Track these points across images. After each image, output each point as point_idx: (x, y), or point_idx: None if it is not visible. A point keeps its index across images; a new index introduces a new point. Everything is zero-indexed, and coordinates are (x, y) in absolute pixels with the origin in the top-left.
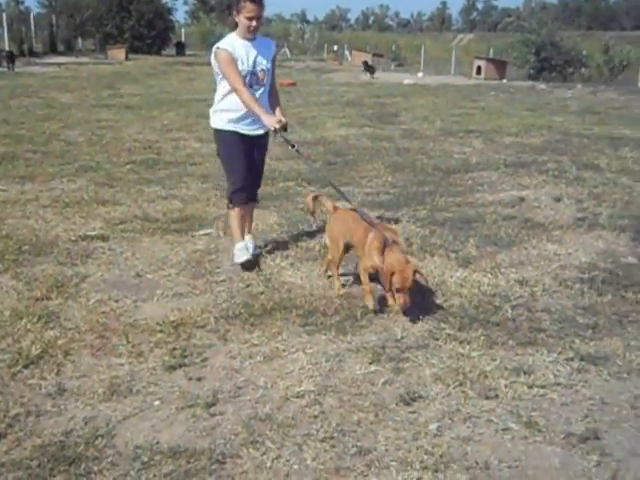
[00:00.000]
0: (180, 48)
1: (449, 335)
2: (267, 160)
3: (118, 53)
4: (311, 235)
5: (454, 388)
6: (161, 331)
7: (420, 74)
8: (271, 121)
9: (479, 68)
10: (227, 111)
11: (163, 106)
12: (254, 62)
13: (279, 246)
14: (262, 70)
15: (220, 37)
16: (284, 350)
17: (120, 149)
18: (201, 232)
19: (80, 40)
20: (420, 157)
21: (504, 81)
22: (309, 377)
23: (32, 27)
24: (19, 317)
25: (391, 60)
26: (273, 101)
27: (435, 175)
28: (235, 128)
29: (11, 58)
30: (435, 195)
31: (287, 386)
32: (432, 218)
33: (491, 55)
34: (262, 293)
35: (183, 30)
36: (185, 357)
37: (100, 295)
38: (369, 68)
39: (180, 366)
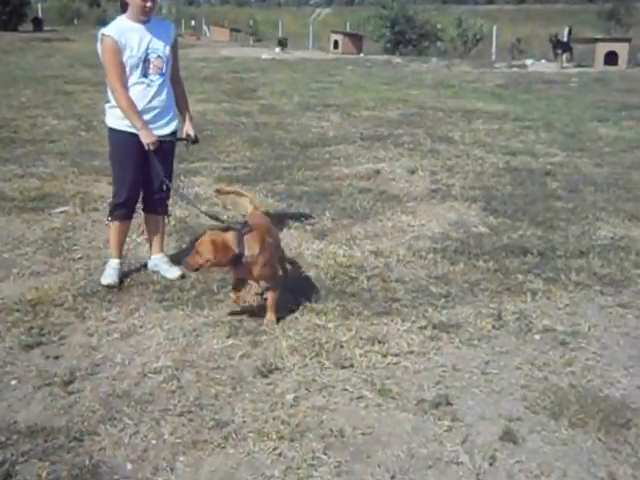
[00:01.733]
0: (37, 24)
1: (305, 307)
2: None
3: None
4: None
5: (310, 359)
6: (18, 310)
7: (278, 49)
8: (147, 138)
9: (336, 42)
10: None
11: (20, 83)
12: (147, 48)
13: (134, 222)
14: (159, 57)
15: (78, 12)
16: (141, 326)
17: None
18: (58, 210)
19: None
20: (278, 132)
21: (361, 55)
22: (166, 352)
23: None
24: None
25: (249, 35)
26: (179, 97)
27: (293, 149)
28: (130, 128)
29: None
30: (293, 169)
31: (144, 362)
32: (290, 192)
33: (348, 29)
34: (118, 270)
35: (40, 5)
36: (42, 336)
37: None
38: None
39: (37, 345)
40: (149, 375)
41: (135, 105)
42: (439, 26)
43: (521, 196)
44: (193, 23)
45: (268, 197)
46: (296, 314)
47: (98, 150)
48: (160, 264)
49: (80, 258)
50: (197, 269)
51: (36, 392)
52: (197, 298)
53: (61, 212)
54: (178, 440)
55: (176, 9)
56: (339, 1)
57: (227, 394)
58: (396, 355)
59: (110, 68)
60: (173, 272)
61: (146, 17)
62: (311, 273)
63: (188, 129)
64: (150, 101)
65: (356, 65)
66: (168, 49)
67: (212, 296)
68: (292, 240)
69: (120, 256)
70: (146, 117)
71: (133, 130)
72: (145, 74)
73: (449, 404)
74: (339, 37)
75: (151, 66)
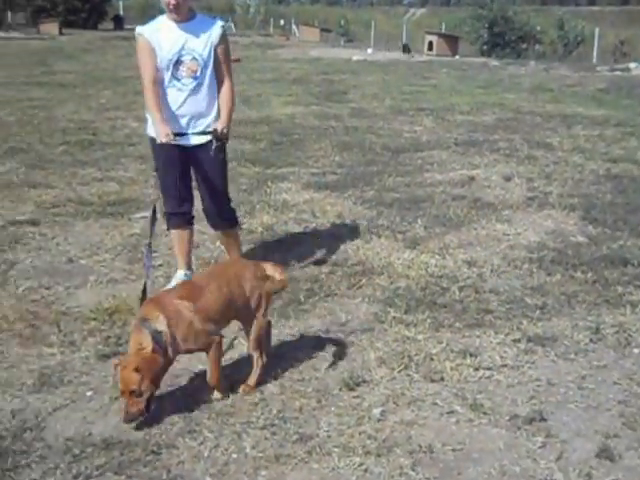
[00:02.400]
0: (118, 22)
1: (395, 318)
2: None
3: (51, 27)
4: (254, 216)
5: (399, 372)
6: (95, 319)
7: (370, 50)
8: (160, 135)
9: (431, 44)
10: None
11: (99, 84)
12: (180, 49)
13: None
14: (193, 59)
15: (160, 10)
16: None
17: (53, 129)
18: (138, 215)
19: (9, 14)
20: (369, 136)
21: (456, 57)
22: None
23: None
24: None
25: (340, 35)
26: (222, 103)
27: (384, 155)
28: (165, 137)
29: None
30: (383, 175)
31: (226, 374)
32: (380, 199)
33: (443, 30)
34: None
35: (121, 3)
36: (120, 345)
37: (30, 282)
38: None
39: (114, 354)
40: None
41: (155, 100)
42: (538, 28)
43: (622, 205)
44: (282, 23)
45: (357, 204)
46: (385, 325)
47: None
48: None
49: (160, 265)
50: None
51: (113, 404)
52: (283, 308)
53: (141, 218)
54: (260, 454)
55: (265, 8)
56: (434, 1)
57: (312, 407)
58: (488, 369)
59: (141, 68)
60: None
61: (178, 16)
62: (401, 283)
63: (222, 121)
64: (180, 107)
65: (451, 68)
66: (207, 51)
67: (298, 306)
68: (382, 249)
69: (187, 266)
70: (176, 125)
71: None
72: (176, 77)
73: (543, 420)
74: (434, 38)
75: (184, 69)
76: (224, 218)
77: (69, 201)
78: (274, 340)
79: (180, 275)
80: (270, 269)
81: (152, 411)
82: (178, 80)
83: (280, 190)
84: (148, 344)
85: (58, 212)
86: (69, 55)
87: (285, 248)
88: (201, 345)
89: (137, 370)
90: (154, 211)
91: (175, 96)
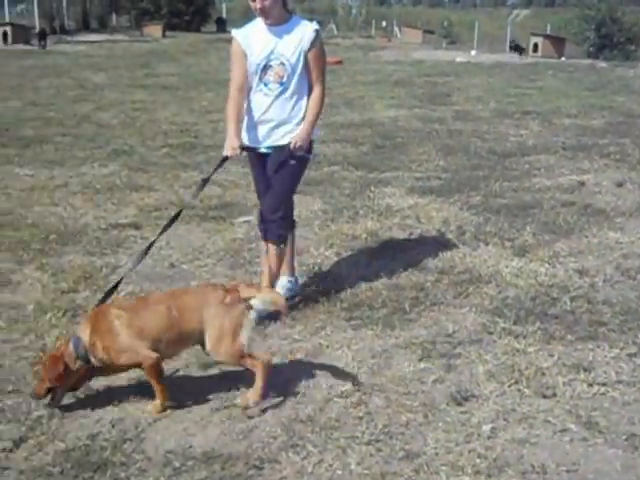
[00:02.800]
0: (221, 24)
1: (504, 329)
2: None
3: (154, 30)
4: (357, 222)
5: (509, 386)
6: None
7: (473, 52)
8: (228, 144)
9: (536, 45)
10: (243, 120)
11: (202, 86)
12: (270, 53)
13: (322, 233)
14: (281, 64)
15: None
16: (327, 346)
17: (155, 132)
18: (241, 219)
19: (114, 16)
20: (473, 140)
21: (562, 59)
22: (354, 375)
23: (64, 3)
24: (43, 311)
25: (442, 37)
26: (308, 109)
27: (489, 159)
28: (247, 142)
29: (42, 36)
30: (489, 180)
31: (330, 385)
32: (486, 204)
33: (548, 32)
34: (305, 284)
35: (224, 5)
36: None
37: (131, 287)
38: (518, 48)
39: (215, 364)
40: (335, 399)
41: (234, 111)
42: None
43: None
44: (384, 24)
45: (463, 210)
46: (493, 336)
47: None
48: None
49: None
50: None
51: (214, 415)
52: (387, 317)
53: (244, 222)
54: (366, 471)
55: (366, 10)
56: (538, 2)
57: (418, 422)
58: (603, 385)
59: (231, 71)
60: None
61: (268, 19)
62: (510, 293)
63: (301, 134)
64: (265, 112)
65: (557, 69)
66: (296, 57)
67: (403, 315)
68: (490, 257)
69: (289, 273)
70: (261, 130)
71: (251, 144)
72: (264, 82)
73: None
74: (539, 40)
75: (271, 73)
76: (270, 229)
77: (171, 204)
78: (379, 349)
79: (283, 282)
80: (245, 291)
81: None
82: (265, 85)
83: (383, 195)
84: (63, 346)
85: (160, 215)
86: (172, 57)
87: (389, 255)
88: (129, 360)
89: (44, 363)
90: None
91: (261, 101)
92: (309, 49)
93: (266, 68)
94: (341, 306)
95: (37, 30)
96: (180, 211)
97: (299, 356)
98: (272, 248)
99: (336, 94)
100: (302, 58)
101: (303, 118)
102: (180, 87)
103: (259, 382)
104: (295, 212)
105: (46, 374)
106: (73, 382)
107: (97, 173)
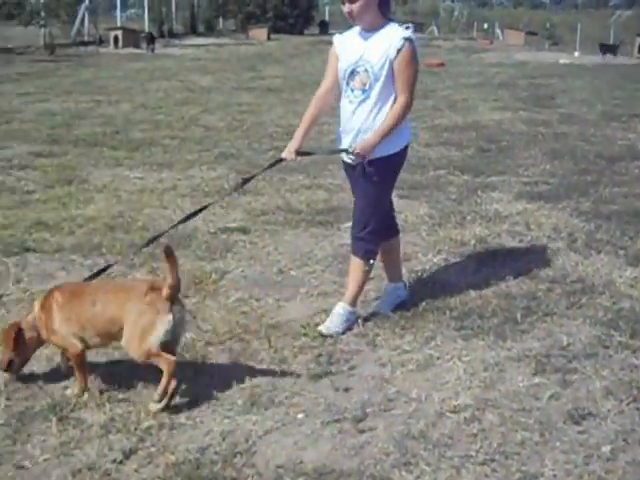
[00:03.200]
0: (324, 27)
1: (620, 343)
2: (414, 146)
3: (259, 33)
4: (465, 228)
5: (627, 404)
6: (305, 334)
7: (577, 53)
8: (287, 147)
9: None
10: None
11: (306, 88)
12: (358, 59)
13: (430, 239)
14: (365, 71)
15: None
16: (438, 357)
17: (261, 135)
18: (347, 224)
19: (221, 20)
20: (580, 143)
21: None
22: (466, 389)
23: (173, 8)
24: None
25: (545, 39)
26: (385, 118)
27: (598, 163)
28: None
29: (151, 40)
30: (599, 185)
31: (442, 399)
32: (597, 211)
33: None
34: (414, 292)
35: (327, 8)
36: (331, 364)
37: (240, 293)
38: (610, 48)
39: (326, 374)
40: (447, 414)
41: (309, 112)
42: None
43: None
44: (486, 26)
45: (573, 216)
46: (609, 350)
47: None
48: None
49: (371, 279)
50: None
51: (324, 428)
52: (499, 327)
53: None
54: None
55: (468, 12)
56: None
57: (534, 441)
58: None
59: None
60: (329, 328)
61: (360, 24)
62: (625, 304)
63: (366, 140)
64: (349, 120)
65: None
66: (380, 64)
67: (515, 325)
68: (602, 266)
69: (390, 279)
70: (346, 139)
71: (344, 156)
72: (350, 87)
73: None
74: None
75: (357, 80)
76: (357, 245)
77: (278, 209)
78: (491, 361)
79: (390, 288)
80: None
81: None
82: (352, 91)
83: (491, 200)
84: (22, 318)
85: (267, 220)
86: (277, 60)
87: (499, 262)
88: (59, 343)
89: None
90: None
91: (346, 108)
92: (395, 57)
93: (353, 74)
94: (450, 315)
95: (144, 35)
96: (205, 206)
97: (410, 367)
98: (359, 264)
99: (439, 96)
100: (387, 66)
101: (388, 136)
102: (285, 89)
103: (164, 381)
104: (401, 217)
105: (6, 342)
106: (30, 352)
107: (205, 176)
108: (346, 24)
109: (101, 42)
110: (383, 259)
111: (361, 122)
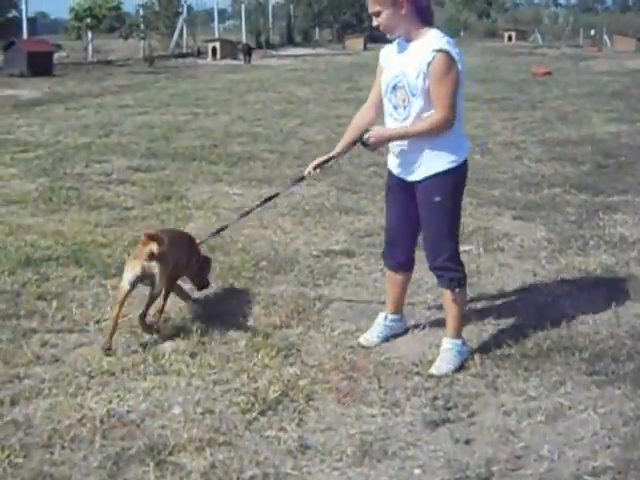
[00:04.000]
0: None
1: None
2: (526, 162)
3: (356, 43)
4: (588, 254)
5: None
6: (418, 373)
7: None
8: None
9: None
10: None
11: None
12: (399, 72)
13: (551, 267)
14: (403, 87)
15: (465, 24)
16: (570, 407)
17: (361, 149)
18: (461, 248)
19: (317, 30)
20: None
21: None
22: (605, 447)
23: (270, 18)
24: (256, 349)
25: None
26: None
27: None
28: (389, 163)
29: (248, 51)
30: None
31: (578, 458)
32: None
33: None
34: (535, 328)
35: None
36: (448, 410)
37: (347, 325)
38: None
39: (443, 422)
40: (585, 477)
41: (350, 126)
42: None
43: None
44: (593, 33)
45: None
46: None
47: (497, 177)
48: (385, 322)
49: (486, 310)
50: None
51: None
52: (636, 373)
53: (463, 251)
54: None
55: (574, 17)
56: None
57: None
58: None
59: None
60: (439, 367)
61: (396, 35)
62: None
63: (375, 131)
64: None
65: None
66: (414, 78)
67: None
68: None
69: (391, 311)
70: (394, 159)
71: (391, 167)
72: (393, 104)
73: None
74: None
75: (398, 95)
76: (440, 275)
77: (383, 229)
78: (630, 414)
79: (380, 318)
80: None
81: None
82: (395, 109)
83: (614, 223)
84: None
85: (372, 242)
86: (373, 70)
87: (630, 295)
88: None
89: None
90: None
91: (391, 127)
92: (427, 72)
93: (395, 89)
94: (580, 357)
95: (241, 46)
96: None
97: (538, 418)
98: (448, 295)
99: (548, 108)
100: (422, 81)
101: (436, 151)
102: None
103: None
104: (516, 241)
105: None
106: None
107: (305, 193)
108: (446, 33)
109: (199, 54)
110: (389, 289)
111: (405, 143)
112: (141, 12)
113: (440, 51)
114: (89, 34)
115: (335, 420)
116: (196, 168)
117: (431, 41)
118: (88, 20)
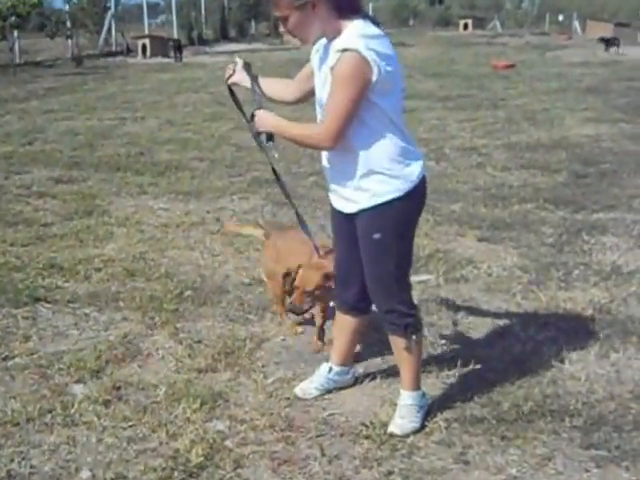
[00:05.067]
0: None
1: None
2: (490, 171)
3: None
4: (573, 288)
5: None
6: (368, 437)
7: None
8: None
9: None
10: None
11: None
12: (319, 87)
13: (528, 304)
14: (322, 105)
15: (415, 11)
16: None
17: (300, 155)
18: (417, 278)
19: (254, 23)
20: None
21: None
22: None
23: (202, 11)
24: (177, 399)
25: None
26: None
27: None
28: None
29: (179, 48)
30: None
31: None
32: None
33: None
34: (513, 384)
35: (371, 5)
36: None
37: (282, 371)
38: (609, 42)
39: None
40: None
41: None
42: None
43: None
44: (561, 18)
45: None
46: None
47: (457, 188)
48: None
49: (448, 356)
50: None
51: None
52: None
53: (419, 282)
54: None
55: (539, 0)
56: None
57: None
58: None
59: None
60: (402, 427)
61: (311, 41)
62: None
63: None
64: (323, 163)
65: None
66: (323, 91)
67: None
68: None
69: (338, 362)
70: (329, 191)
71: (330, 194)
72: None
73: None
74: None
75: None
76: (389, 320)
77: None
78: None
79: (322, 369)
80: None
81: None
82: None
83: (602, 247)
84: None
85: None
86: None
87: (633, 344)
88: None
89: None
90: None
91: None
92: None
93: (320, 106)
94: (572, 423)
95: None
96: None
97: None
98: (401, 342)
99: (513, 106)
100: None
101: (372, 176)
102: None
103: None
104: (483, 268)
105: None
106: None
107: (237, 208)
108: (394, 22)
109: (129, 51)
110: (338, 334)
111: (330, 170)
112: (67, 8)
113: (345, 50)
114: (15, 34)
115: None
116: (120, 179)
117: (341, 39)
118: (12, 19)
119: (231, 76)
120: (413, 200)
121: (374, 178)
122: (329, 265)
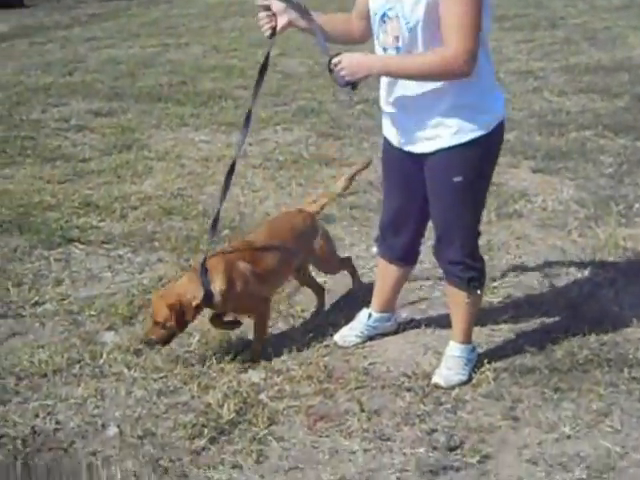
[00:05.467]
0: None
1: None
2: (547, 96)
3: None
4: (636, 225)
5: None
6: (410, 390)
7: None
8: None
9: None
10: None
11: None
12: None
13: (585, 242)
14: (396, 17)
15: None
16: (621, 455)
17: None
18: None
19: None
20: None
21: None
22: None
23: None
24: (210, 347)
25: None
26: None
27: None
28: (383, 125)
29: None
30: None
31: None
32: None
33: None
34: (567, 330)
35: None
36: (451, 450)
37: (322, 317)
38: None
39: (444, 469)
40: None
41: (328, 18)
42: None
43: None
44: None
45: None
46: None
47: (511, 116)
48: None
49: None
50: (164, 342)
51: None
52: None
53: None
54: None
55: None
56: None
57: None
58: None
59: None
60: (448, 378)
61: None
62: None
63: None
64: (387, 97)
65: None
66: (411, 3)
67: None
68: None
69: (379, 308)
70: (389, 124)
71: (387, 132)
72: (382, 45)
73: None
74: None
75: (387, 29)
76: (451, 271)
77: (370, 186)
78: None
79: (362, 316)
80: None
81: None
82: (385, 51)
83: None
84: (195, 297)
85: (356, 203)
86: None
87: None
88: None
89: (170, 308)
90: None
91: (383, 79)
92: None
93: (384, 21)
94: (630, 375)
95: None
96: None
97: (577, 473)
98: (461, 296)
99: (572, 25)
100: (424, 6)
101: (455, 111)
102: None
103: None
104: (537, 202)
105: (174, 320)
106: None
107: (280, 140)
108: None
109: None
110: (380, 283)
111: (403, 103)
112: None
113: None
114: None
115: (304, 457)
116: (161, 110)
117: None
118: None
119: (273, 27)
120: (496, 138)
121: (461, 113)
122: (184, 291)
